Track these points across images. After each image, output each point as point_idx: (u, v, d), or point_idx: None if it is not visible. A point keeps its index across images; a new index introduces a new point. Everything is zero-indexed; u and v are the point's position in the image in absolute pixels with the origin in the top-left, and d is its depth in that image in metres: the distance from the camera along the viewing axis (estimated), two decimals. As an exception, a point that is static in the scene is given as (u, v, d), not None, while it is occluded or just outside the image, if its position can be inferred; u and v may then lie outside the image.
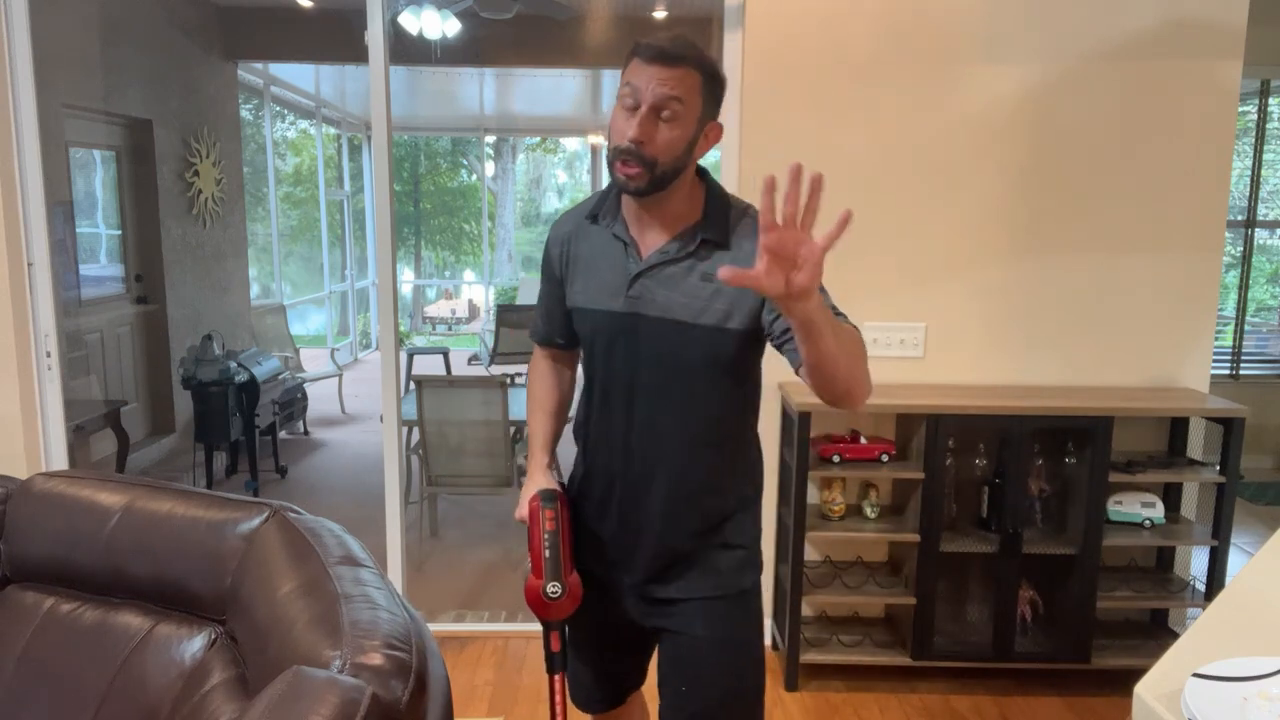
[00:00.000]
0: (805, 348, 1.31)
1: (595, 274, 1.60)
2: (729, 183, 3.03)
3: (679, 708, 1.64)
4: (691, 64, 1.43)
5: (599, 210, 1.60)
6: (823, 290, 1.35)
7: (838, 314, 1.42)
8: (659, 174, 1.45)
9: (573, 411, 1.81)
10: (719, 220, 1.52)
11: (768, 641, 3.23)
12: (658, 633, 1.69)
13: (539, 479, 1.74)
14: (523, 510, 1.72)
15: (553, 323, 1.75)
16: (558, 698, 1.72)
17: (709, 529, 1.62)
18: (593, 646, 1.78)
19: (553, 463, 1.81)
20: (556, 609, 1.63)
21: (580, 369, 1.76)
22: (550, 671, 1.72)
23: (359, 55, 3.04)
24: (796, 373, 1.42)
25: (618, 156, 1.45)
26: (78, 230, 5.04)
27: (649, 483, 1.60)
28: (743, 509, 1.66)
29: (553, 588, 1.61)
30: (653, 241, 1.54)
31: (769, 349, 1.56)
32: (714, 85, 1.47)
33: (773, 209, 1.18)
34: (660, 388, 1.56)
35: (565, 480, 1.78)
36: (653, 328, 1.53)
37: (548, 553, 1.62)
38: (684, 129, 1.44)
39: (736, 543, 1.64)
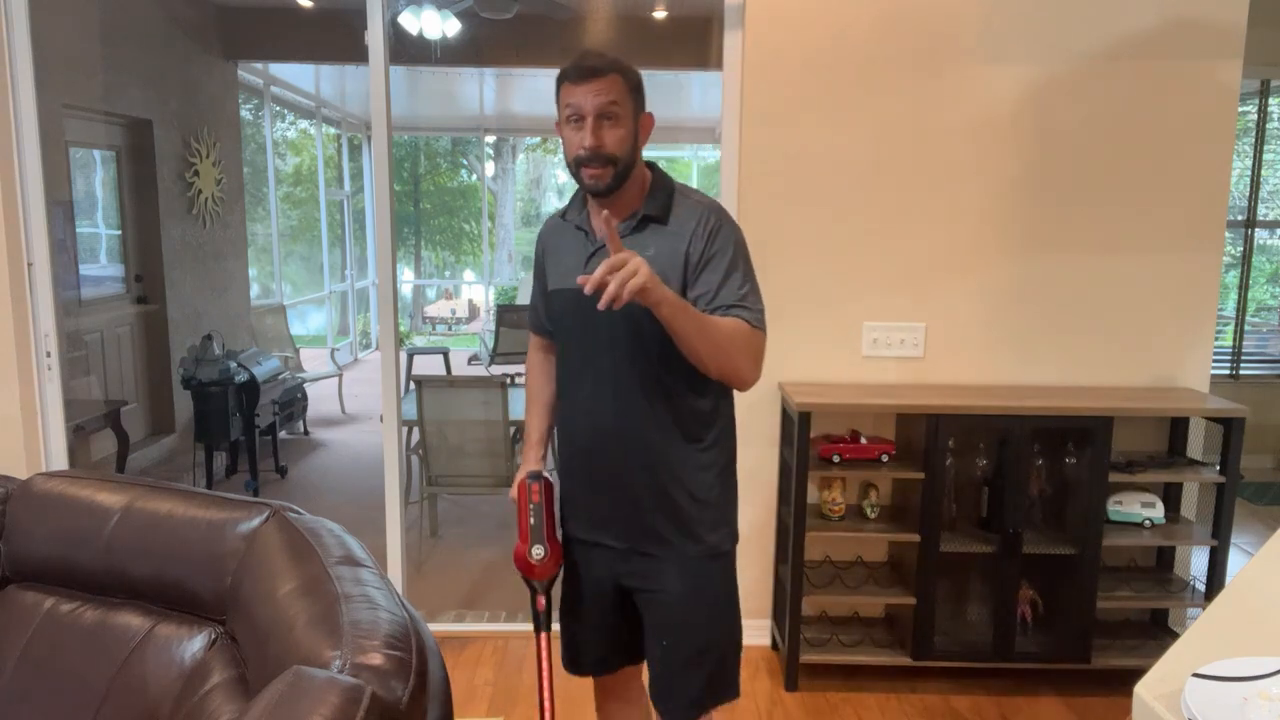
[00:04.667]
0: (669, 331, 1.62)
1: (562, 260, 1.84)
2: (729, 180, 3.03)
3: (662, 660, 1.85)
4: (613, 71, 1.67)
5: (567, 210, 1.87)
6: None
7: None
8: (620, 169, 1.69)
9: None
10: (661, 202, 1.76)
11: (767, 641, 3.23)
12: (637, 593, 1.85)
13: (531, 467, 1.96)
14: (514, 490, 1.94)
15: (539, 312, 1.98)
16: (543, 654, 1.92)
17: (672, 478, 1.78)
18: (584, 606, 1.93)
19: (545, 455, 2.02)
20: (541, 570, 1.88)
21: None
22: (536, 630, 1.94)
23: (359, 55, 3.04)
24: None
25: (581, 165, 1.68)
26: (78, 230, 5.04)
27: (617, 433, 1.78)
28: (705, 464, 1.81)
29: (537, 550, 1.86)
30: None
31: None
32: (635, 83, 1.72)
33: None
34: (616, 348, 1.75)
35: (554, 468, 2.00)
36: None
37: (532, 520, 1.86)
38: (625, 126, 1.69)
39: (702, 496, 1.80)
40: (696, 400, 1.78)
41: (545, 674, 1.92)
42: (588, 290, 1.51)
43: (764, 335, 1.72)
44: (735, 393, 1.83)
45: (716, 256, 1.71)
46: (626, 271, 1.49)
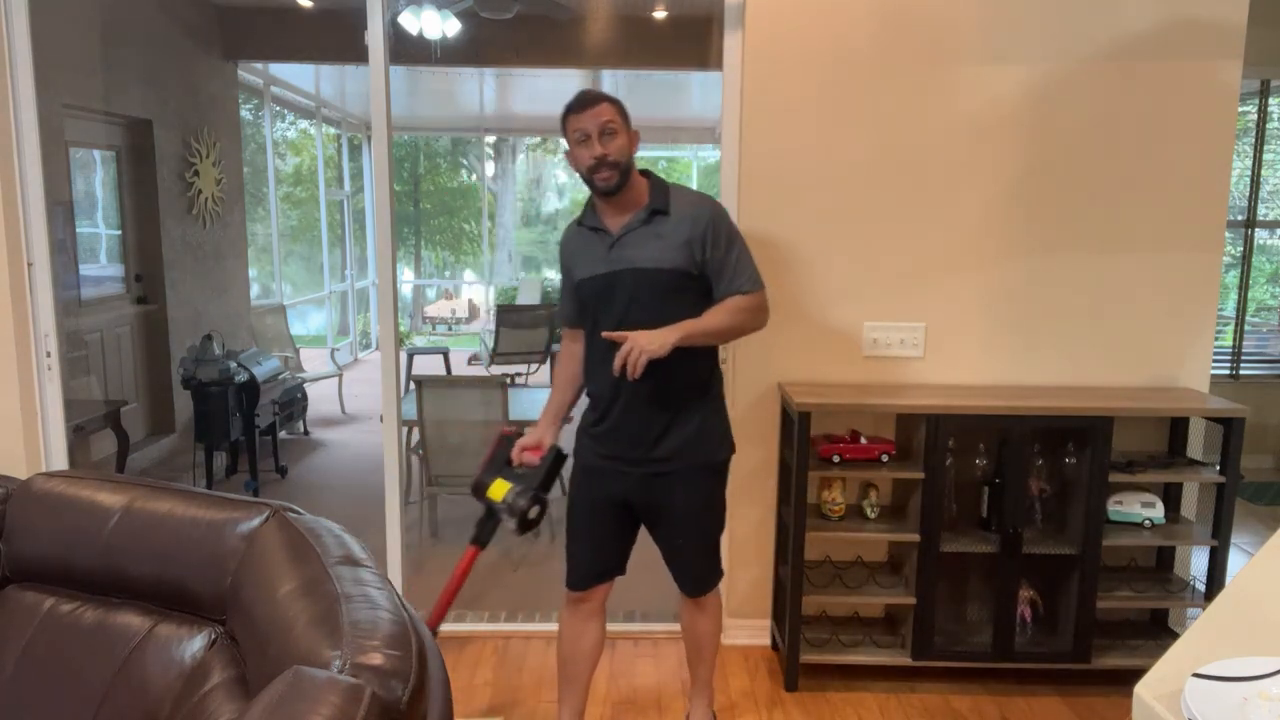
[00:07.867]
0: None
1: (585, 256, 2.32)
2: (729, 180, 3.04)
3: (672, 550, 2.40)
4: (605, 100, 2.19)
5: (583, 218, 2.36)
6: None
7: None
8: (624, 170, 2.21)
9: None
10: (661, 197, 2.27)
11: (767, 641, 3.24)
12: (650, 507, 2.34)
13: (538, 425, 2.45)
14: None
15: (570, 306, 2.42)
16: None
17: (685, 413, 2.28)
18: (591, 521, 2.41)
19: (556, 423, 2.46)
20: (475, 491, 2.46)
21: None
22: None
23: (359, 55, 3.04)
24: None
25: (594, 172, 2.19)
26: (78, 230, 5.04)
27: (637, 386, 2.22)
28: (710, 398, 2.33)
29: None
30: (619, 223, 2.28)
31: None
32: (621, 108, 2.23)
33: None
34: (638, 316, 2.21)
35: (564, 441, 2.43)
36: (628, 276, 2.23)
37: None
38: (622, 137, 2.21)
39: (710, 422, 2.32)
40: (693, 361, 2.26)
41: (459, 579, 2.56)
42: (615, 372, 2.13)
43: (759, 289, 2.28)
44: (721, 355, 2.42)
45: (714, 245, 2.24)
46: (634, 354, 2.09)
